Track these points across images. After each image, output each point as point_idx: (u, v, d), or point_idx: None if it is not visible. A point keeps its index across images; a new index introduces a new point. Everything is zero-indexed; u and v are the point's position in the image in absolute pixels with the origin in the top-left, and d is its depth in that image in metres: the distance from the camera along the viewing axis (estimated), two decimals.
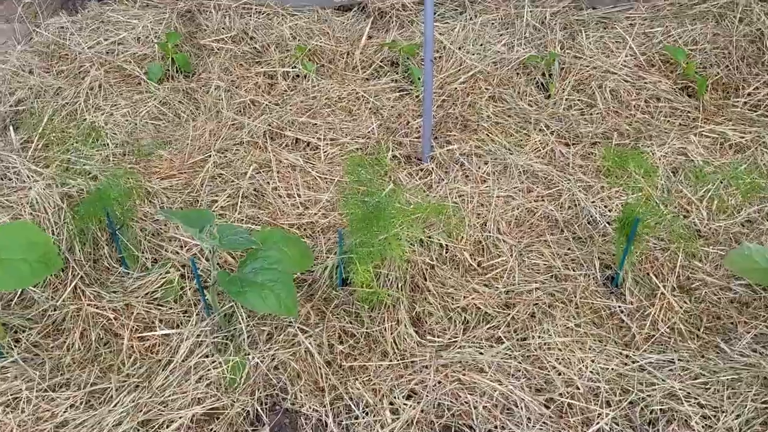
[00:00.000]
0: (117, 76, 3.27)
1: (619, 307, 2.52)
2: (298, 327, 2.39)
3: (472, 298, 2.55)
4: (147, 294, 2.51)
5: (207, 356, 2.33)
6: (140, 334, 2.41)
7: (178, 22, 3.51)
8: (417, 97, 3.30)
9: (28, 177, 2.86)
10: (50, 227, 2.61)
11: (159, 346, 2.39)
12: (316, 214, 2.79)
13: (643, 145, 3.11)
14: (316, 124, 3.12)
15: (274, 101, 3.26)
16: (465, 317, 2.50)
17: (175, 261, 2.56)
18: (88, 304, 2.46)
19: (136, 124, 3.09)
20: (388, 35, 3.63)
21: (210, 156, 2.99)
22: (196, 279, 2.20)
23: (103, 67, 3.26)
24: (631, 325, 2.46)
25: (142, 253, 2.60)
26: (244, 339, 2.37)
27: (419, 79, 3.31)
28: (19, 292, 2.49)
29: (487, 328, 2.46)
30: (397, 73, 3.42)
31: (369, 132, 3.10)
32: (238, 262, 2.62)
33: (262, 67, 3.44)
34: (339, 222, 2.74)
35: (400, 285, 2.55)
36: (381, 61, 3.48)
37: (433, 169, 2.97)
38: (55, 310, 2.46)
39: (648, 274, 2.62)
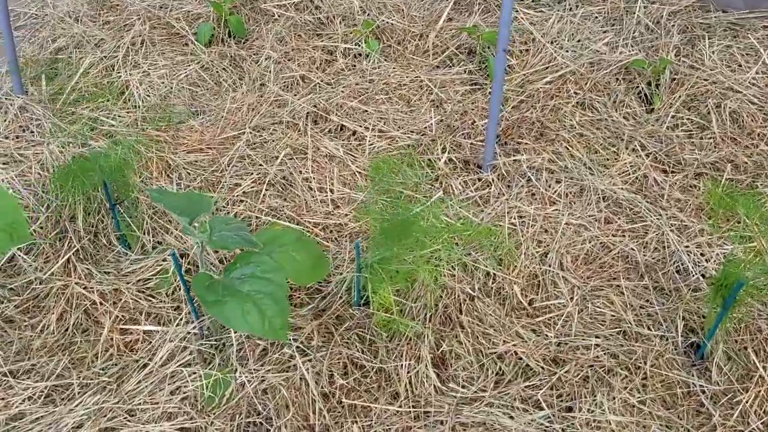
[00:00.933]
0: (163, 34, 3.02)
1: (701, 386, 2.01)
2: (297, 347, 2.04)
3: (514, 345, 2.10)
4: (140, 281, 2.23)
5: (188, 365, 2.02)
6: (122, 326, 2.13)
7: None
8: (490, 93, 2.84)
9: (50, 132, 2.66)
10: (55, 190, 2.38)
11: (139, 343, 2.10)
12: (347, 215, 2.42)
13: (762, 184, 2.53)
14: (367, 111, 2.74)
15: (326, 80, 2.91)
16: (500, 367, 2.07)
17: (175, 247, 2.26)
18: (77, 282, 2.21)
19: (171, 88, 2.83)
20: (470, 19, 3.19)
21: (244, 133, 2.68)
22: (180, 277, 1.88)
23: (149, 21, 3.02)
24: (714, 413, 1.94)
25: (145, 233, 2.33)
26: (233, 351, 2.04)
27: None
28: (7, 258, 2.27)
29: (525, 386, 2.01)
30: (472, 63, 2.98)
31: (426, 127, 2.69)
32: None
33: (322, 41, 3.09)
34: (372, 229, 2.36)
35: (428, 315, 2.14)
36: (457, 48, 3.04)
37: (493, 180, 2.53)
38: (40, 283, 2.23)
39: (745, 348, 2.08)
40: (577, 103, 2.83)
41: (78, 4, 3.17)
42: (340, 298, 2.20)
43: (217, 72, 2.92)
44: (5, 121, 2.70)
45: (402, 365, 2.05)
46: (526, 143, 2.64)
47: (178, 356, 2.04)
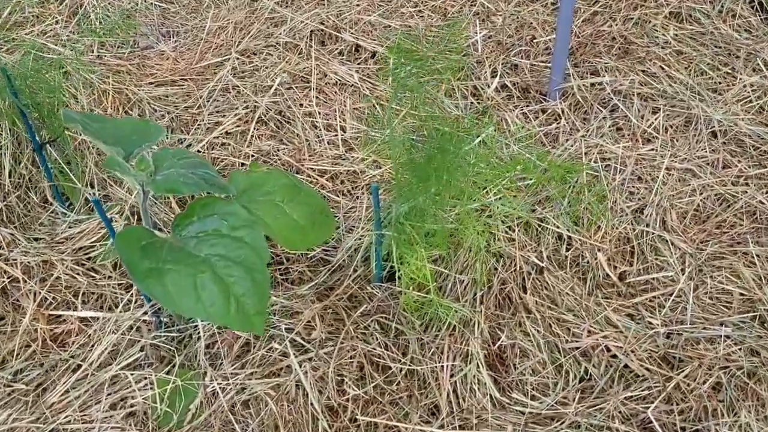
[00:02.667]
0: None
1: None
2: (292, 341, 1.45)
3: (604, 336, 1.49)
4: (79, 250, 1.66)
5: (138, 366, 1.45)
6: (51, 312, 1.57)
7: None
8: (552, 4, 2.20)
9: None
10: None
11: (72, 335, 1.53)
12: (364, 160, 1.82)
13: None
14: (390, 26, 2.12)
15: None
16: (586, 369, 1.46)
17: (126, 204, 1.68)
18: None
19: (137, 4, 2.23)
20: None
21: (228, 59, 2.09)
22: (111, 237, 1.30)
23: None
24: None
25: (87, 185, 1.75)
26: (201, 347, 1.46)
27: None
28: None
29: (626, 398, 1.40)
30: None
31: (468, 46, 2.06)
32: None
33: None
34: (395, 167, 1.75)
35: (478, 294, 1.54)
36: None
37: (563, 111, 1.90)
38: None
39: None
40: (670, 13, 2.17)
41: None
42: (354, 271, 1.60)
43: None
44: None
45: (443, 366, 1.45)
46: (606, 62, 1.99)
47: (123, 353, 1.47)
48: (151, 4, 2.24)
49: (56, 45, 2.16)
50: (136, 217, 1.65)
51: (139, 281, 1.07)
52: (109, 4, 2.24)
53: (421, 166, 1.31)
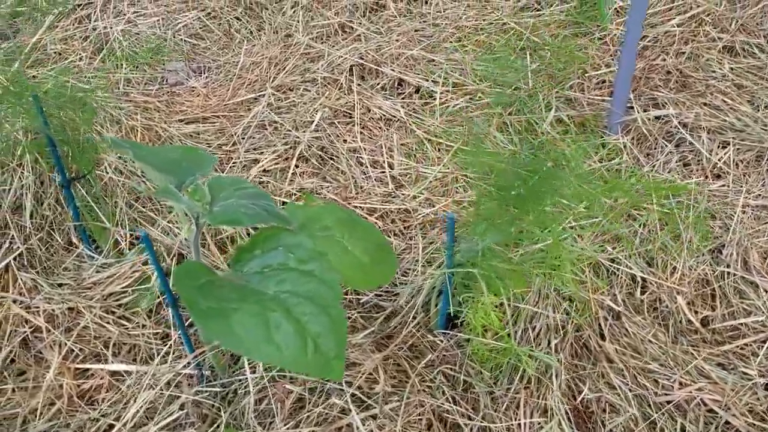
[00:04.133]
0: None
1: None
2: (353, 395, 1.31)
3: (698, 389, 1.36)
4: (108, 296, 1.53)
5: (177, 427, 1.31)
6: (78, 365, 1.43)
7: None
8: (601, 39, 2.14)
9: (3, 101, 2.00)
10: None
11: (103, 391, 1.39)
12: (416, 197, 1.71)
13: None
14: (434, 60, 2.05)
15: (375, 28, 2.23)
16: (683, 425, 1.32)
17: (162, 244, 1.56)
18: (15, 300, 1.52)
19: (166, 41, 2.17)
20: None
21: (264, 94, 2.01)
22: (159, 278, 1.18)
23: None
24: None
25: (118, 224, 1.64)
26: (249, 405, 1.31)
27: (607, 12, 2.17)
28: None
29: None
30: (568, 3, 2.29)
31: (518, 79, 1.99)
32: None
33: None
34: (457, 213, 1.64)
35: (552, 341, 1.41)
36: None
37: (625, 145, 1.81)
38: None
39: None
40: (724, 47, 2.11)
41: None
42: (413, 317, 1.47)
43: (228, 21, 2.26)
44: None
45: (520, 424, 1.31)
46: (665, 94, 1.92)
47: (162, 412, 1.32)
48: (181, 39, 2.18)
49: (80, 82, 2.08)
50: (174, 258, 1.53)
51: (201, 322, 0.95)
52: (135, 40, 2.17)
53: (510, 196, 1.19)
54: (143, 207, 1.68)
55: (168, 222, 1.63)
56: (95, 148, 1.56)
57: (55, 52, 2.18)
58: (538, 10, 2.31)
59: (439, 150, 1.82)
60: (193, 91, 2.06)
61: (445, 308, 1.42)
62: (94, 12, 2.24)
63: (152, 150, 1.22)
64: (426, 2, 2.35)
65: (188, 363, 1.36)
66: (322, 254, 1.10)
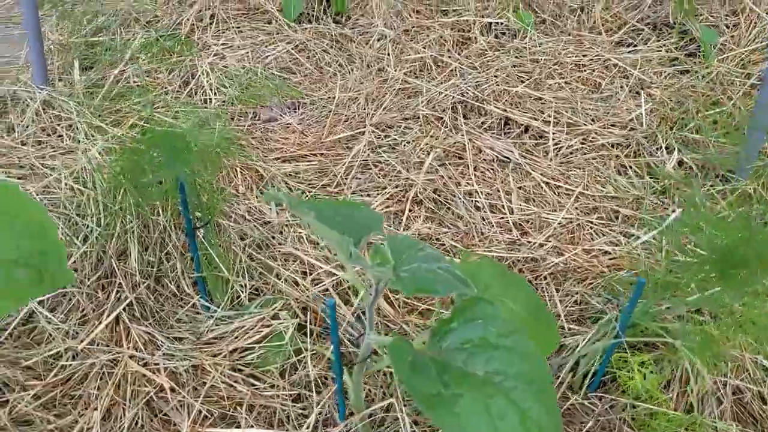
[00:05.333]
0: (238, 8, 2.32)
1: None
2: None
3: None
4: (233, 352, 1.44)
5: None
6: (209, 428, 1.34)
7: None
8: (705, 77, 2.09)
9: (86, 135, 1.93)
10: (95, 213, 1.64)
11: None
12: (542, 245, 1.64)
13: None
14: (541, 98, 1.99)
15: (469, 63, 2.18)
16: None
17: (290, 298, 1.48)
18: (132, 357, 1.44)
19: (256, 74, 2.10)
20: None
21: (364, 132, 1.94)
22: (333, 347, 1.10)
23: None
24: None
25: (236, 275, 1.56)
26: None
27: (712, 47, 2.12)
28: (22, 315, 1.51)
29: None
30: (668, 39, 2.24)
31: (632, 120, 1.93)
32: (397, 310, 1.52)
33: (449, 17, 2.38)
34: (591, 264, 1.57)
35: (715, 408, 1.33)
36: (638, 21, 2.31)
37: (754, 190, 1.74)
38: (74, 357, 1.45)
39: None
40: None
41: None
42: (558, 378, 1.40)
43: (317, 54, 2.20)
44: (22, 120, 1.99)
45: None
46: None
47: None
48: (272, 73, 2.11)
49: (167, 116, 2.01)
50: (309, 314, 1.45)
51: (428, 410, 0.87)
52: (224, 74, 2.11)
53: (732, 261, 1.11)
54: (259, 253, 1.60)
55: (290, 272, 1.55)
56: (222, 194, 1.49)
57: (138, 85, 2.11)
58: (634, 45, 2.26)
59: (558, 194, 1.76)
60: (288, 127, 1.99)
61: (603, 371, 1.34)
62: (178, 43, 2.18)
63: (317, 205, 1.15)
64: (515, 36, 2.30)
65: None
66: (520, 327, 1.02)
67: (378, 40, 2.27)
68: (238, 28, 2.24)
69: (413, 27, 2.32)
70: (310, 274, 1.57)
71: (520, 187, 1.77)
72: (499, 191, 1.76)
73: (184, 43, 1.95)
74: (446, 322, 1.02)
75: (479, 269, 1.28)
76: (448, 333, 1.01)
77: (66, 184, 1.72)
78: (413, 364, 0.94)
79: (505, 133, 1.93)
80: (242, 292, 1.54)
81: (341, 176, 1.84)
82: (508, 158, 1.83)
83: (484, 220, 1.70)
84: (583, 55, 2.15)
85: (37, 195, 1.71)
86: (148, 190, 1.32)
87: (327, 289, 1.53)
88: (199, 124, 1.86)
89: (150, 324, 1.52)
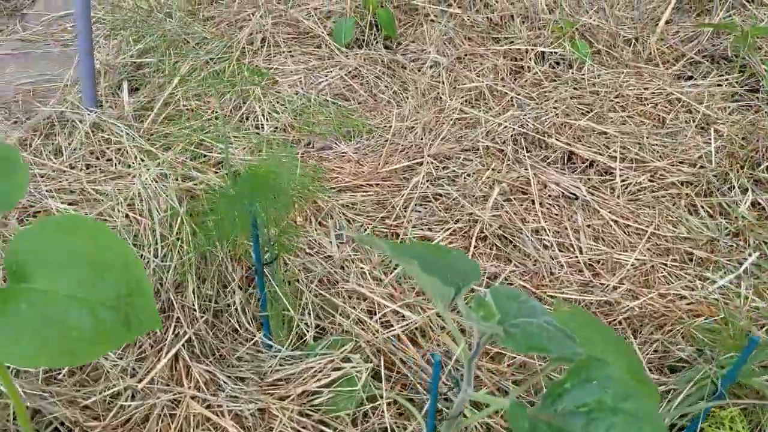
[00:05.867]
0: (289, 32, 2.28)
1: None
2: None
3: None
4: (301, 395, 1.38)
5: None
6: None
7: None
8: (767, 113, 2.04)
9: (137, 160, 1.88)
10: (152, 244, 1.58)
11: None
12: (616, 288, 1.58)
13: None
14: (605, 133, 1.94)
15: (525, 93, 2.13)
16: None
17: (361, 339, 1.42)
18: (194, 397, 1.37)
19: (309, 101, 2.06)
20: (701, 19, 2.43)
21: (422, 163, 1.89)
22: (430, 409, 1.04)
23: (270, 14, 2.29)
24: None
25: (301, 312, 1.50)
26: None
27: None
28: None
29: None
30: (729, 73, 2.19)
31: (700, 157, 1.88)
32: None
33: (501, 45, 2.34)
34: (668, 309, 1.51)
35: None
36: (696, 53, 2.27)
37: None
38: (133, 397, 1.39)
39: None
40: None
41: None
42: None
43: (370, 81, 2.16)
44: (70, 143, 1.94)
45: None
46: None
47: None
48: (325, 100, 2.07)
49: (216, 142, 1.97)
50: (381, 357, 1.39)
51: None
52: (276, 99, 2.06)
53: None
54: (324, 290, 1.54)
55: (355, 311, 1.49)
56: (295, 230, 1.44)
57: (188, 109, 2.07)
58: (694, 79, 2.21)
59: (629, 233, 1.70)
60: (343, 156, 1.94)
61: (695, 430, 1.28)
62: (230, 66, 2.14)
63: (417, 253, 1.09)
64: (571, 66, 2.26)
65: None
66: (637, 389, 0.96)
67: (430, 67, 2.23)
68: (290, 52, 2.19)
69: (466, 54, 2.28)
70: (376, 313, 1.51)
71: (588, 225, 1.71)
72: (567, 229, 1.70)
73: (254, 72, 1.89)
74: (559, 384, 0.96)
75: (574, 321, 1.22)
76: (562, 395, 0.95)
77: (121, 212, 1.67)
78: (534, 428, 0.88)
79: (569, 168, 1.88)
80: (307, 331, 1.48)
81: (400, 209, 1.79)
82: (574, 194, 1.77)
83: (553, 259, 1.65)
84: (645, 88, 2.10)
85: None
86: (221, 227, 1.26)
87: (395, 332, 1.47)
88: (279, 159, 1.81)
89: (211, 362, 1.46)
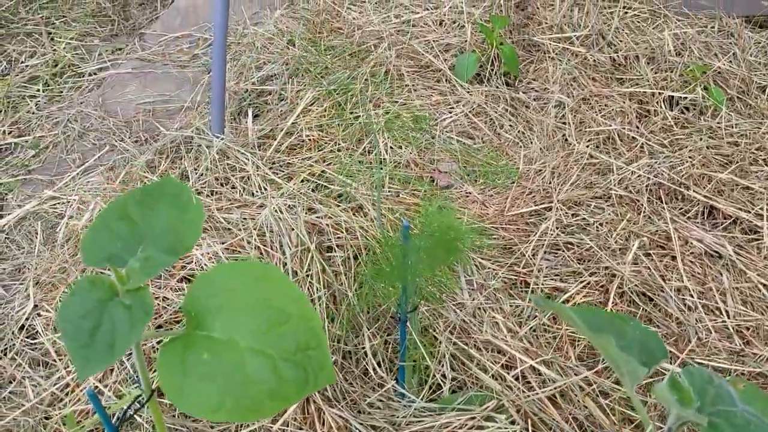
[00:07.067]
0: (410, 65, 2.27)
1: None
2: None
3: None
4: None
5: None
6: None
7: (505, 6, 2.47)
8: None
9: (260, 188, 1.89)
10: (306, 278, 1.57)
11: None
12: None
13: None
14: (749, 188, 1.84)
15: (655, 139, 2.05)
16: None
17: (504, 398, 1.37)
18: None
19: (433, 137, 2.03)
20: None
21: (550, 208, 1.83)
22: None
23: (394, 47, 2.28)
24: None
25: (440, 362, 1.45)
26: None
27: None
28: None
29: None
30: None
31: None
32: (610, 418, 1.38)
33: (626, 87, 2.26)
34: None
35: None
36: None
37: None
38: None
39: None
40: None
41: (289, 25, 2.48)
42: None
43: (492, 119, 2.12)
44: (197, 168, 1.96)
45: None
46: None
47: None
48: (449, 137, 2.04)
49: (339, 174, 1.95)
50: (528, 421, 1.33)
51: None
52: (400, 134, 2.04)
53: None
54: (461, 340, 1.50)
55: (492, 363, 1.44)
56: (446, 281, 1.40)
57: (310, 139, 2.07)
58: None
59: None
60: (468, 196, 1.90)
61: None
62: (351, 98, 2.13)
63: (613, 325, 1.03)
64: (702, 113, 2.17)
65: None
66: None
67: (554, 106, 2.17)
68: (413, 85, 2.18)
69: (591, 95, 2.21)
70: (516, 368, 1.45)
71: (737, 288, 1.62)
72: (712, 290, 1.61)
73: (415, 119, 1.88)
74: None
75: (756, 401, 1.13)
76: None
77: (252, 244, 1.67)
78: None
79: (710, 224, 1.79)
80: (443, 382, 1.43)
81: (529, 256, 1.73)
82: (718, 253, 1.68)
83: (698, 322, 1.56)
84: None
85: (223, 254, 1.66)
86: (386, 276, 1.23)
87: (538, 395, 1.41)
88: (439, 207, 1.79)
89: (342, 407, 1.43)
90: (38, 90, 2.53)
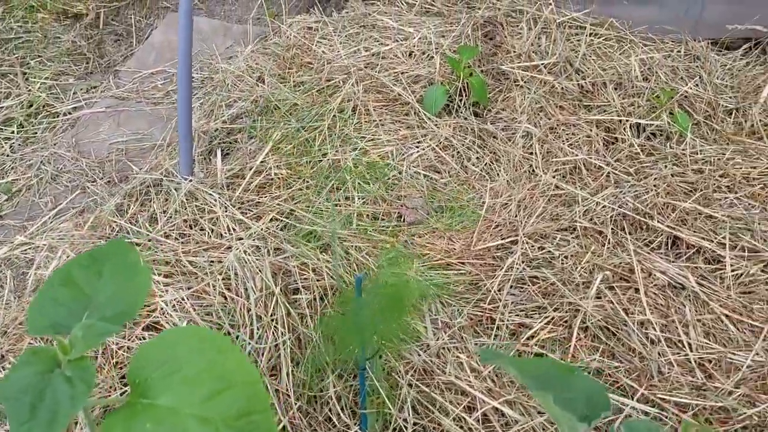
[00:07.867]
0: (378, 99, 2.29)
1: None
2: None
3: None
4: None
5: None
6: None
7: (473, 36, 2.50)
8: None
9: (229, 229, 1.90)
10: (248, 324, 1.58)
11: None
12: (731, 393, 1.49)
13: None
14: (712, 216, 1.86)
15: (622, 168, 2.07)
16: None
17: None
18: None
19: (401, 173, 2.05)
20: None
21: (516, 241, 1.85)
22: None
23: (362, 82, 2.30)
24: None
25: (399, 408, 1.46)
26: None
27: None
28: None
29: None
30: None
31: None
32: None
33: (593, 114, 2.28)
34: None
35: None
36: None
37: None
38: None
39: None
40: None
41: (259, 61, 2.51)
42: None
43: (460, 152, 2.13)
44: (166, 211, 1.98)
45: None
46: None
47: None
48: (416, 173, 2.05)
49: (307, 212, 1.97)
50: None
51: None
52: (367, 171, 2.06)
53: None
54: (423, 382, 1.51)
55: (459, 408, 1.45)
56: (407, 332, 1.41)
57: (278, 177, 2.08)
58: None
59: (742, 330, 1.61)
60: (435, 232, 1.91)
61: None
62: (319, 136, 2.15)
63: (535, 370, 1.04)
64: (668, 139, 2.19)
65: None
66: None
67: (522, 137, 2.19)
68: (380, 121, 2.20)
69: (558, 124, 2.23)
70: (477, 409, 1.46)
71: (700, 321, 1.63)
72: (675, 322, 1.63)
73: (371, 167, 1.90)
74: None
75: None
76: None
77: (217, 289, 1.68)
78: None
79: (674, 254, 1.80)
80: (405, 427, 1.44)
81: (495, 291, 1.75)
82: (681, 284, 1.69)
83: (661, 356, 1.57)
84: (752, 167, 2.02)
85: (188, 299, 1.67)
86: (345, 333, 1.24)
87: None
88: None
89: None
90: (12, 132, 2.55)
